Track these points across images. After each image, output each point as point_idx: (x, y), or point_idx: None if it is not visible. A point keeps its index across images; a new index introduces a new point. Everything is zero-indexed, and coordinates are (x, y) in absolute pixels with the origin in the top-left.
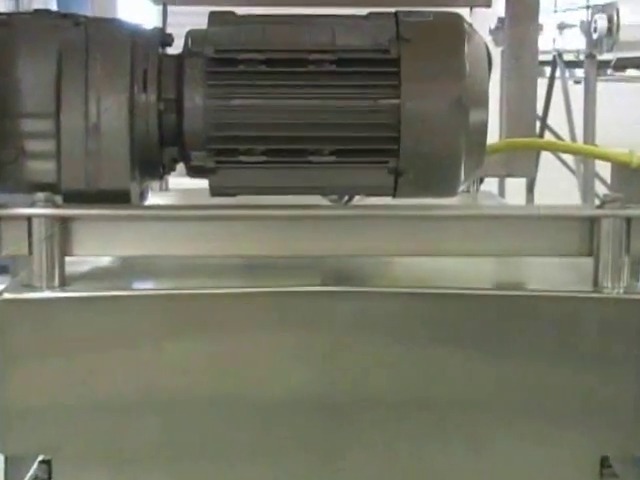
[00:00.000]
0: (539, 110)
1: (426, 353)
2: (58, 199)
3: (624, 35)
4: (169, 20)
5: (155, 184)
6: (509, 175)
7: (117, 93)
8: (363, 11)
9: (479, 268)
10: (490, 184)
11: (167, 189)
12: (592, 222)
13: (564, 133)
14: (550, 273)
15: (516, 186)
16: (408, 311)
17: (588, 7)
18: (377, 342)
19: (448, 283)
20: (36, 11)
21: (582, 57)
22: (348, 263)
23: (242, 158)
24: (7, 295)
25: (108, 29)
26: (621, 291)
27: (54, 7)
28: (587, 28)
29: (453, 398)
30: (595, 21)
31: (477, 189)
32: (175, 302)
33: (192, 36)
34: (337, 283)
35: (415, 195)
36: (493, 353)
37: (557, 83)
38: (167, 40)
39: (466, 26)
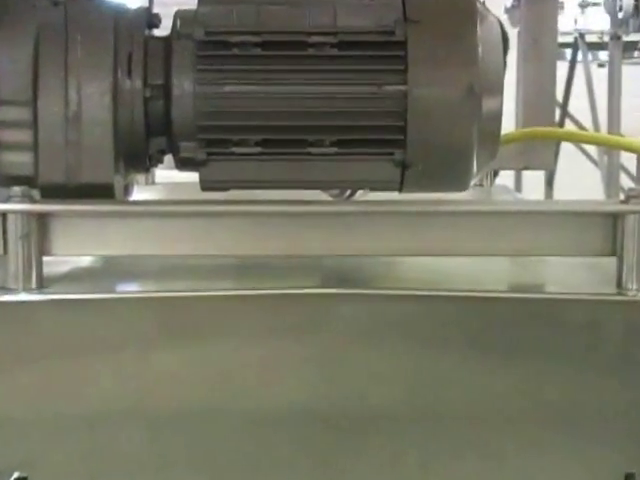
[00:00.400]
0: (559, 96)
1: (436, 362)
2: (35, 194)
3: None
4: None
5: (141, 177)
6: (526, 168)
7: (99, 78)
8: None
9: (493, 269)
10: (505, 178)
11: (154, 183)
12: (616, 219)
13: (586, 121)
14: (570, 274)
15: (534, 180)
16: (416, 315)
17: None
18: (382, 349)
19: (459, 285)
20: None
21: (606, 38)
22: (350, 263)
23: (235, 149)
24: None
25: (89, 9)
26: None
27: None
28: (612, 7)
29: (466, 411)
30: None
31: (491, 183)
32: (163, 305)
33: (181, 17)
34: (338, 285)
35: (423, 189)
36: (509, 361)
37: (579, 67)
38: (153, 21)
39: (479, 5)
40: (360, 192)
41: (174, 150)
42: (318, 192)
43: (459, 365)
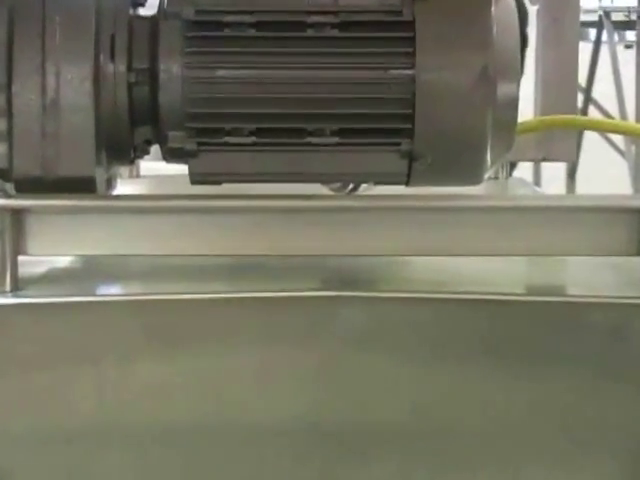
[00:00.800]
0: (582, 81)
1: (448, 371)
2: (10, 188)
3: None
4: None
5: (125, 170)
6: (545, 159)
7: (79, 63)
8: None
9: (509, 270)
10: (523, 170)
11: (139, 176)
12: None
13: (612, 108)
14: (593, 275)
15: (554, 172)
16: (425, 321)
17: None
18: (389, 358)
19: (472, 287)
20: None
21: (634, 17)
22: (353, 264)
23: (228, 139)
24: None
25: None
26: None
27: None
28: None
29: (481, 426)
30: None
31: (507, 176)
32: (149, 310)
33: None
34: (340, 287)
35: (432, 183)
36: (527, 370)
37: (603, 48)
38: None
39: None
40: (364, 186)
41: (161, 140)
42: (318, 186)
43: (472, 375)
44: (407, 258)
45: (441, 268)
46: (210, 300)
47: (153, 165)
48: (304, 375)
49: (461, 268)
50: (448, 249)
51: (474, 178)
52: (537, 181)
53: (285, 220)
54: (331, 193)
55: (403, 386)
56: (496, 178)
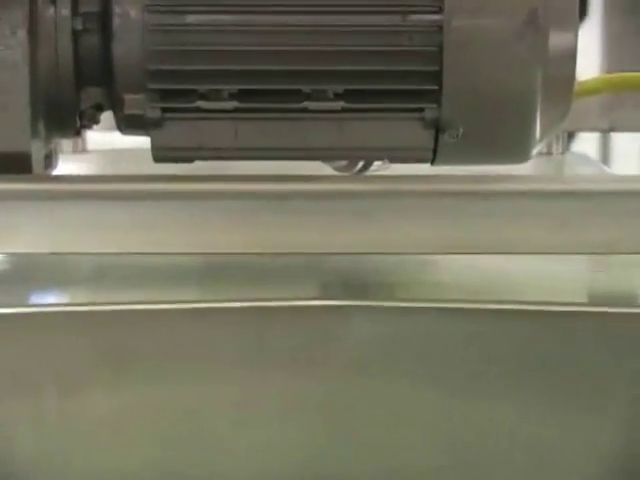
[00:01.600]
0: None
1: (489, 403)
2: None
3: None
4: None
5: (68, 143)
6: (613, 129)
7: (10, 6)
8: None
9: (568, 272)
10: (586, 143)
11: (86, 150)
12: None
13: None
14: None
15: (627, 146)
16: (458, 339)
17: None
18: (413, 387)
19: (519, 295)
20: None
21: None
22: (364, 265)
23: (202, 104)
24: None
25: None
26: None
27: None
28: None
29: (524, 472)
30: None
31: (564, 150)
32: (98, 324)
33: None
34: (348, 295)
35: (465, 161)
36: (580, 398)
37: None
38: None
39: None
40: (376, 164)
41: (115, 105)
42: (318, 165)
43: (516, 408)
44: (433, 258)
45: (477, 270)
46: (179, 312)
47: (105, 137)
48: (301, 409)
49: (504, 270)
50: (485, 245)
51: (519, 154)
52: (605, 157)
53: (276, 209)
54: (335, 174)
55: (430, 423)
56: (549, 154)
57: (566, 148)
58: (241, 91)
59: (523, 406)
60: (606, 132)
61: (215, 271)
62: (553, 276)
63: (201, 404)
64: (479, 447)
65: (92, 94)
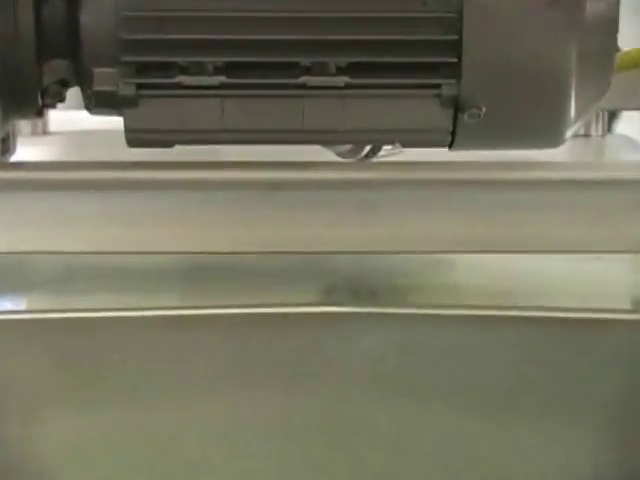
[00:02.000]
0: None
1: (519, 425)
2: None
3: None
4: None
5: (27, 125)
6: None
7: None
8: None
9: (608, 274)
10: (631, 123)
11: (47, 132)
12: None
13: None
14: None
15: None
16: (482, 351)
17: None
18: (418, 404)
19: (553, 301)
20: None
21: None
22: (372, 266)
23: (183, 79)
24: None
25: None
26: None
27: None
28: None
29: None
30: None
31: (605, 132)
32: (63, 333)
33: None
34: (353, 300)
35: (488, 145)
36: (613, 418)
37: None
38: None
39: None
40: (385, 149)
41: (83, 80)
42: (318, 149)
43: (545, 430)
44: (449, 257)
45: (501, 272)
46: (157, 320)
47: (70, 116)
48: (300, 432)
49: (531, 272)
50: (512, 243)
51: (551, 137)
52: None
53: (269, 201)
54: (338, 160)
55: (452, 448)
56: (587, 136)
57: (607, 129)
58: (228, 64)
59: (561, 430)
60: None
61: (199, 273)
62: (589, 279)
63: (181, 427)
64: (498, 469)
65: (56, 68)
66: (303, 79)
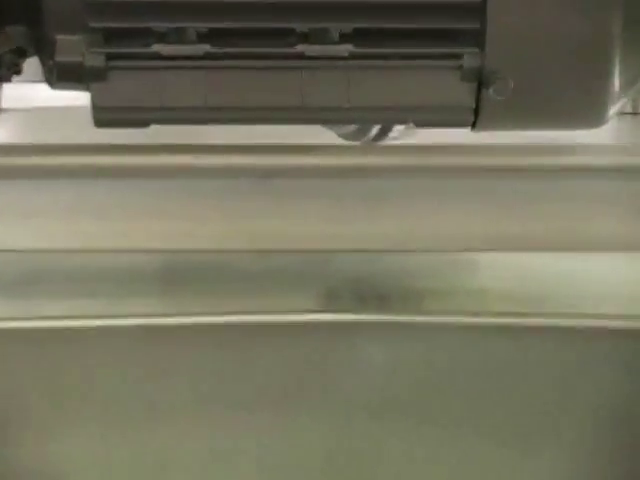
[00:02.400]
0: None
1: (553, 451)
2: None
3: None
4: None
5: None
6: None
7: None
8: None
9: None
10: None
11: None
12: None
13: None
14: None
15: None
16: (510, 366)
17: None
18: (435, 427)
19: (595, 308)
20: None
21: None
22: (381, 266)
23: (161, 48)
24: None
25: None
26: None
27: None
28: None
29: None
30: None
31: None
32: (18, 344)
33: None
34: (360, 307)
35: (517, 125)
36: None
37: None
38: None
39: None
40: (397, 130)
41: (44, 49)
42: (319, 130)
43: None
44: (473, 256)
45: (535, 273)
46: (131, 329)
47: (25, 91)
48: (296, 461)
49: (570, 272)
50: (547, 240)
51: (592, 116)
52: None
53: (262, 190)
54: (341, 142)
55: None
56: (635, 114)
57: None
58: (213, 30)
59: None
60: None
61: (179, 275)
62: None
63: (163, 454)
64: None
65: (12, 35)
66: (300, 48)
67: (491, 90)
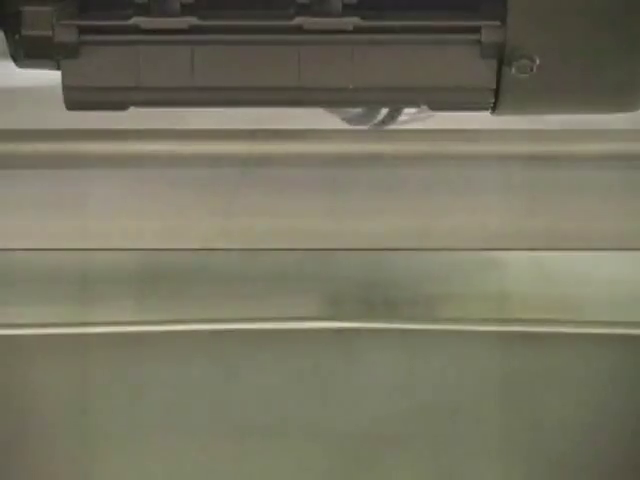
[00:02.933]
0: None
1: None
2: None
3: None
4: None
5: None
6: None
7: None
8: None
9: None
10: None
11: None
12: None
13: None
14: None
15: None
16: (524, 375)
17: None
18: (447, 448)
19: (609, 314)
20: None
21: None
22: (389, 267)
23: (141, 21)
24: None
25: None
26: None
27: None
28: None
29: None
30: None
31: None
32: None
33: None
34: (367, 313)
35: (542, 107)
36: None
37: None
38: None
39: None
40: (407, 113)
41: (8, 22)
42: (320, 113)
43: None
44: (495, 255)
45: (565, 274)
46: (105, 337)
47: None
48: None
49: (603, 275)
50: (579, 238)
51: (627, 97)
52: None
53: (253, 181)
54: (345, 127)
55: None
56: None
57: None
58: (200, 1)
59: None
60: None
61: (160, 276)
62: None
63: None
64: None
65: None
66: (298, 20)
67: (513, 68)
